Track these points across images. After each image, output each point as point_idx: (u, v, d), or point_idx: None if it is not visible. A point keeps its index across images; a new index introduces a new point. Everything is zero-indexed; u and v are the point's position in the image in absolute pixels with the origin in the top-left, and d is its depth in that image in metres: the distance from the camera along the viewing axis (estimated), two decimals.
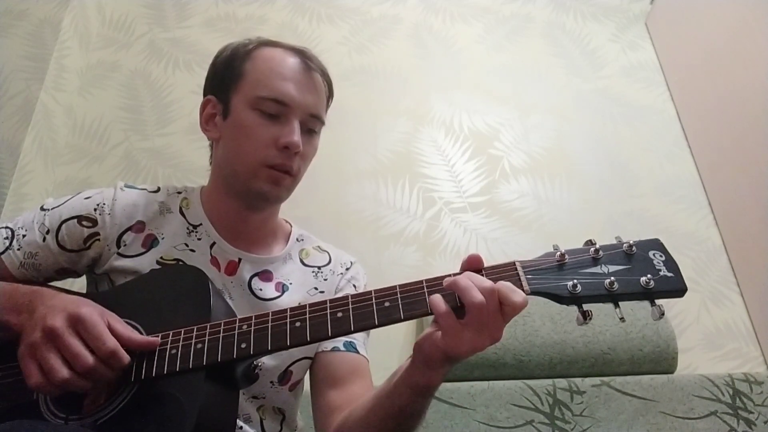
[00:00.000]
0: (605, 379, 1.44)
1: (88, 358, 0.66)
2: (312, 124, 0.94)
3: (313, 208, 1.76)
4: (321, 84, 0.96)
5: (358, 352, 0.97)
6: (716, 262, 1.81)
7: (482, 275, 0.68)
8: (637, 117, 2.06)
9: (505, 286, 0.65)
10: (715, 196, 1.88)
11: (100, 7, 2.05)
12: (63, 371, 0.65)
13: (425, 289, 0.70)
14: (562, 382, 1.42)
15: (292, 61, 0.93)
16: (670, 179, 1.94)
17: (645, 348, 1.47)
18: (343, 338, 0.97)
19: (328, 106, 1.00)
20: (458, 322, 0.65)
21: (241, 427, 0.86)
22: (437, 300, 0.67)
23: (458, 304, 0.66)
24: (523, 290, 0.68)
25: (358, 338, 0.99)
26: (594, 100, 2.08)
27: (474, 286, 0.65)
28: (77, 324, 0.67)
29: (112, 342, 0.67)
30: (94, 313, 0.69)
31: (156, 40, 2.04)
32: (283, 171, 0.91)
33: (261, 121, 0.90)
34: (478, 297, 0.64)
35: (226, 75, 0.95)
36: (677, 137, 2.03)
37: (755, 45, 1.71)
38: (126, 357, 0.68)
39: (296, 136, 0.89)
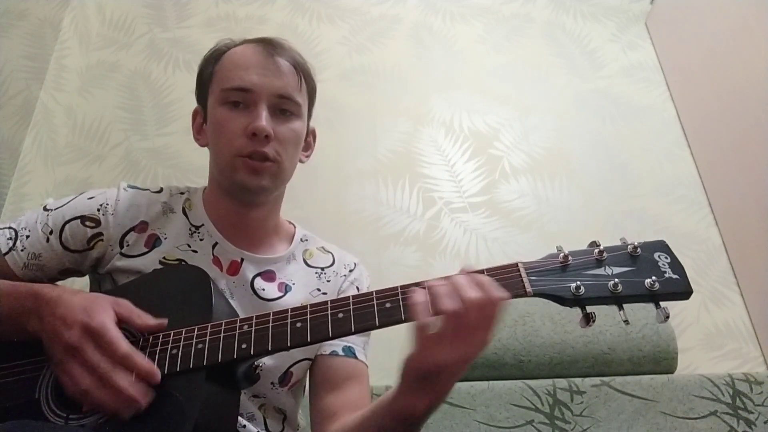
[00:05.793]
0: (605, 379, 1.44)
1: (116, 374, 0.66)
2: (284, 105, 0.92)
3: (313, 208, 1.75)
4: (287, 66, 0.94)
5: (356, 358, 0.97)
6: (716, 262, 1.81)
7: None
8: (637, 117, 2.06)
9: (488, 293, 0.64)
10: (715, 196, 1.88)
11: (100, 7, 2.05)
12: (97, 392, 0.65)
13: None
14: (562, 382, 1.42)
15: (253, 51, 0.94)
16: (670, 179, 1.94)
17: (645, 348, 1.47)
18: (342, 343, 0.97)
19: (306, 87, 0.97)
20: (431, 332, 0.64)
21: (244, 426, 0.86)
22: (413, 306, 0.65)
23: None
24: (525, 291, 0.67)
25: (357, 343, 0.99)
26: (594, 100, 2.08)
27: (448, 293, 0.64)
28: (95, 337, 0.67)
29: (123, 348, 0.67)
30: (107, 322, 0.69)
31: (156, 40, 2.04)
32: (259, 159, 0.89)
33: (229, 113, 0.91)
34: (450, 306, 0.63)
35: (202, 82, 0.98)
36: (677, 137, 2.02)
37: (755, 45, 1.71)
38: (141, 360, 0.68)
39: (262, 121, 0.88)
